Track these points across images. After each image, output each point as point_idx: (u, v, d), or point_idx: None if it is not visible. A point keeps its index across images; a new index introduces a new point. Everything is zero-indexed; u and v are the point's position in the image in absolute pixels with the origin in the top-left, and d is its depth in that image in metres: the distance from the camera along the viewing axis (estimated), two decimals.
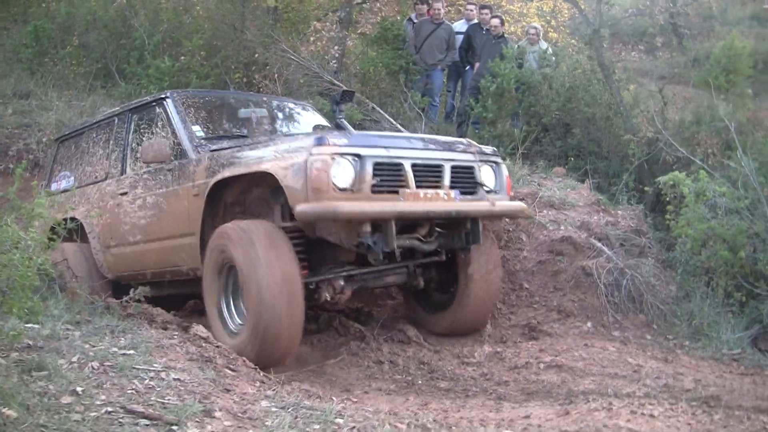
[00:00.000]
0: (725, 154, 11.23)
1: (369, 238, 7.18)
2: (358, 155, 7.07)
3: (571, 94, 12.67)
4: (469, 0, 15.75)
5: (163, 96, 9.20)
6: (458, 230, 8.03)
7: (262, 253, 7.03)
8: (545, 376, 7.25)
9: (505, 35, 14.34)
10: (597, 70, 12.77)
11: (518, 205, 8.43)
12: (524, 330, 8.74)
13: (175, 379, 5.65)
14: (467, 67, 14.83)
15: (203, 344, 6.95)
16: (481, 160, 8.11)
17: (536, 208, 9.98)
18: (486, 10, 14.87)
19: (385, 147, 7.37)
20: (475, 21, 14.98)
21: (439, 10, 14.54)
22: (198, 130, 8.73)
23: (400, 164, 7.33)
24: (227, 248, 7.35)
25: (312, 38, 15.43)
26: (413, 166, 7.40)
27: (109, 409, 4.90)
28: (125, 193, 9.25)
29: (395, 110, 14.06)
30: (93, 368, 5.63)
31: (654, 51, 20.90)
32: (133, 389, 5.32)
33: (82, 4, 18.53)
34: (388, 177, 7.26)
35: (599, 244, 9.44)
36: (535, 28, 14.83)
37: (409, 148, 7.57)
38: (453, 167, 7.75)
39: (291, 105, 10.58)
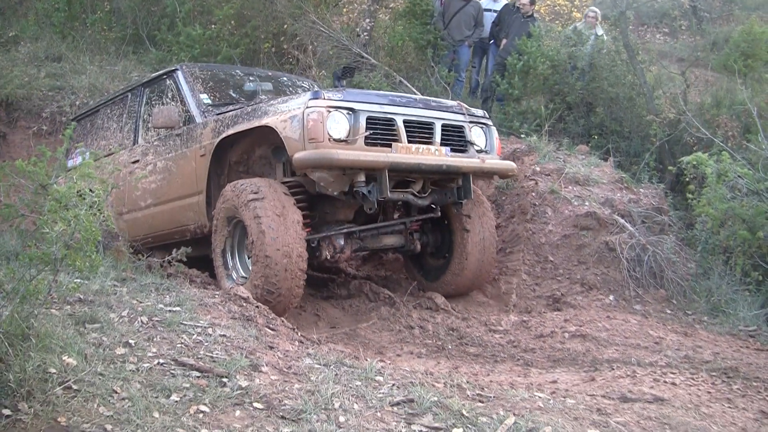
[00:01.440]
0: (745, 137, 11.41)
1: (364, 187, 7.62)
2: (351, 109, 7.56)
3: (595, 74, 12.86)
4: None
5: (174, 69, 9.70)
6: (450, 186, 8.41)
7: (269, 209, 7.49)
8: (570, 344, 7.49)
9: (534, 14, 14.44)
10: (621, 51, 12.92)
11: (507, 163, 8.85)
12: (548, 301, 8.99)
13: (221, 335, 5.90)
14: (491, 41, 14.93)
15: (244, 304, 7.15)
16: (471, 122, 8.57)
17: (562, 183, 10.19)
18: None
19: (379, 103, 7.81)
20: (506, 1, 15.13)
21: None
22: (205, 98, 9.24)
23: (393, 119, 7.79)
24: (236, 204, 7.79)
25: (345, 10, 15.50)
26: (405, 122, 7.85)
27: (161, 361, 5.17)
28: (137, 161, 9.75)
29: (422, 84, 14.17)
30: (142, 322, 5.88)
31: (675, 33, 20.99)
32: (182, 343, 5.58)
33: None
34: (381, 131, 7.72)
35: (622, 221, 9.66)
36: (594, 11, 14.84)
37: (401, 105, 7.99)
38: (444, 125, 8.20)
39: (296, 80, 11.01)
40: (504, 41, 14.10)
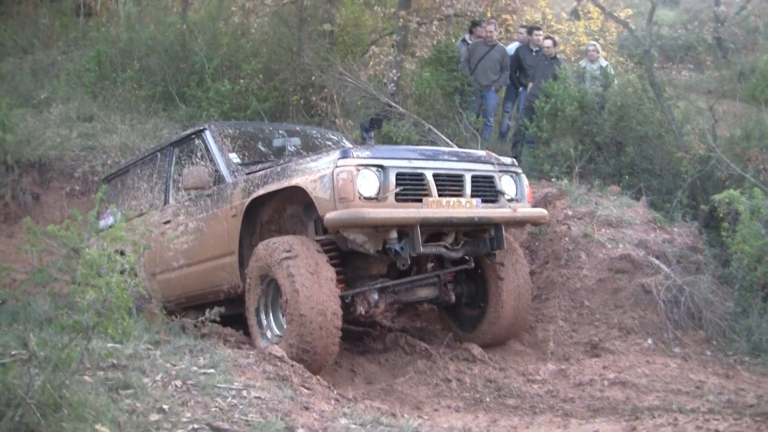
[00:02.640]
0: None
1: (396, 244, 7.65)
2: (381, 166, 7.57)
3: (623, 113, 12.81)
4: (521, 23, 15.91)
5: (202, 128, 9.76)
6: (482, 237, 8.41)
7: (302, 267, 7.48)
8: (610, 392, 7.39)
9: (557, 56, 14.47)
10: (648, 89, 12.88)
11: (539, 211, 8.92)
12: (586, 347, 8.88)
13: (255, 397, 5.87)
14: (520, 89, 14.99)
15: (278, 363, 7.11)
16: (501, 171, 8.55)
17: (595, 226, 10.12)
18: (539, 32, 15.05)
19: (408, 159, 7.82)
20: (519, 44, 15.21)
21: (492, 32, 14.69)
22: (234, 157, 9.27)
23: (422, 174, 7.79)
24: (268, 262, 7.77)
25: (371, 62, 15.60)
26: (435, 176, 7.86)
27: (196, 426, 5.13)
28: (168, 222, 9.76)
29: (451, 131, 14.18)
30: (176, 386, 5.85)
31: (701, 66, 20.94)
32: (216, 407, 5.55)
33: (142, 29, 18.95)
34: (411, 186, 7.73)
35: (657, 262, 9.57)
36: (594, 45, 14.95)
37: (430, 158, 8.00)
38: (473, 177, 8.21)
39: (324, 133, 11.04)
40: (530, 85, 14.14)
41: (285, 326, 7.78)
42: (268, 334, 8.15)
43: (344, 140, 10.92)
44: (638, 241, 9.93)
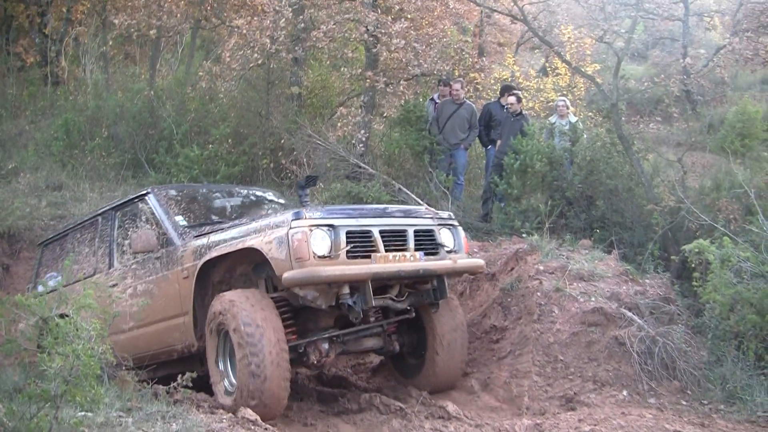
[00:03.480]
0: (746, 219, 11.36)
1: (349, 299, 8.07)
2: (331, 225, 8.01)
3: (592, 167, 12.88)
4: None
5: (145, 192, 10.07)
6: (425, 288, 8.94)
7: (250, 319, 7.85)
8: None
9: (523, 112, 14.55)
10: (617, 142, 12.97)
11: (476, 261, 9.54)
12: (561, 401, 8.81)
13: None
14: (488, 147, 15.05)
15: (252, 427, 7.07)
16: (439, 224, 9.12)
17: (567, 281, 10.10)
18: (507, 91, 15.14)
19: (355, 217, 8.31)
20: (493, 100, 15.31)
21: (458, 90, 14.80)
22: (180, 220, 9.60)
23: (370, 231, 8.30)
24: (223, 315, 8.11)
25: (339, 123, 15.67)
26: (381, 232, 8.37)
27: None
28: (115, 285, 9.83)
29: (421, 190, 14.23)
30: None
31: (670, 119, 21.12)
32: None
33: (110, 96, 18.97)
34: (360, 243, 8.20)
35: (630, 314, 9.53)
36: (564, 100, 15.03)
37: (376, 216, 8.53)
38: (416, 231, 8.74)
39: (259, 193, 11.46)
40: (499, 142, 14.22)
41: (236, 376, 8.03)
42: (226, 382, 8.35)
43: (280, 199, 11.44)
44: (611, 293, 9.90)
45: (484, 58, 19.24)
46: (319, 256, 7.83)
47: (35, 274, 11.86)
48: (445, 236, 9.10)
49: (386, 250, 8.30)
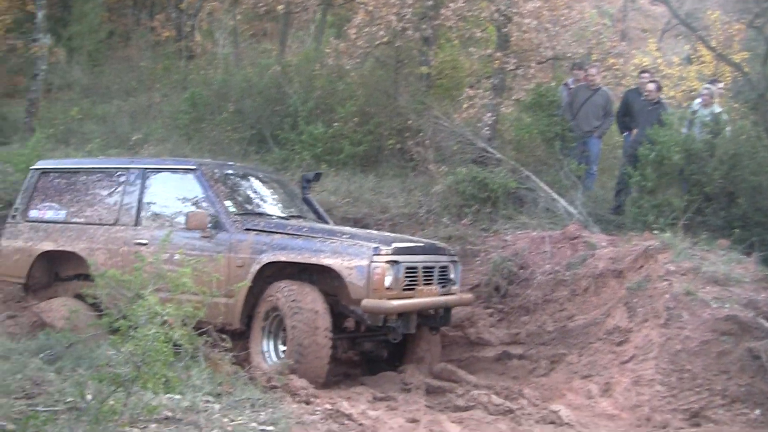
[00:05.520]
0: None
1: (395, 322, 9.37)
2: (396, 261, 9.19)
3: (735, 162, 12.05)
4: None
5: (193, 167, 10.46)
6: (433, 315, 10.24)
7: (312, 307, 9.03)
8: None
9: (662, 101, 13.76)
10: (763, 137, 12.15)
11: (470, 296, 11.02)
12: (686, 415, 8.13)
13: None
14: (625, 134, 14.34)
15: (345, 421, 6.86)
16: (450, 261, 10.47)
17: (698, 284, 9.40)
18: (645, 74, 14.42)
19: (411, 254, 9.56)
20: (633, 86, 14.55)
21: (594, 75, 14.15)
22: (230, 206, 10.17)
23: (417, 267, 9.59)
24: (281, 301, 9.15)
25: (465, 105, 15.16)
26: (423, 268, 9.72)
27: None
28: (144, 244, 10.20)
29: (551, 178, 13.74)
30: None
31: None
32: None
33: (238, 71, 18.88)
34: (410, 277, 9.47)
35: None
36: (709, 89, 14.07)
37: (421, 253, 9.84)
38: (440, 267, 10.15)
39: (277, 177, 12.49)
40: (635, 131, 13.48)
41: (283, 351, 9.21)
42: (267, 358, 9.34)
43: (286, 182, 12.46)
44: (747, 301, 9.14)
45: (623, 43, 18.43)
46: (386, 288, 9.03)
47: (27, 198, 11.54)
48: (452, 270, 10.43)
49: (423, 284, 9.67)
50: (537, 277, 11.34)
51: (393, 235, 10.77)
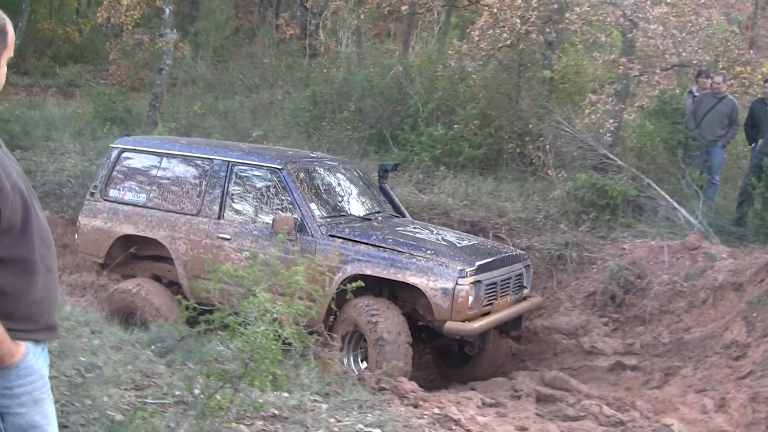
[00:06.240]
0: None
1: (472, 338, 9.73)
2: (479, 281, 9.28)
3: None
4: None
5: (279, 167, 10.26)
6: (506, 322, 10.19)
7: (393, 328, 9.13)
8: None
9: None
10: None
11: (539, 299, 11.24)
12: None
13: None
14: (752, 145, 14.04)
15: (453, 426, 6.82)
16: (525, 266, 10.54)
17: None
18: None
19: (490, 270, 9.59)
20: (760, 96, 14.25)
21: (720, 84, 13.88)
22: (315, 209, 10.13)
23: (496, 283, 9.69)
24: (359, 320, 9.31)
25: (587, 110, 15.02)
26: (501, 281, 9.81)
27: None
28: (227, 239, 10.26)
29: (672, 187, 13.52)
30: None
31: None
32: None
33: (359, 71, 19.04)
34: (489, 293, 9.57)
35: None
36: None
37: (500, 266, 9.88)
38: (515, 276, 10.22)
39: (357, 171, 12.03)
40: (761, 141, 13.19)
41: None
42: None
43: (367, 176, 12.12)
44: None
45: (752, 51, 18.04)
46: (469, 308, 9.15)
47: (107, 176, 11.30)
48: (526, 277, 10.52)
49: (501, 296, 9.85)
50: (654, 287, 11.17)
51: (473, 243, 10.54)
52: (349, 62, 20.45)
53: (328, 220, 10.07)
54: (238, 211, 10.43)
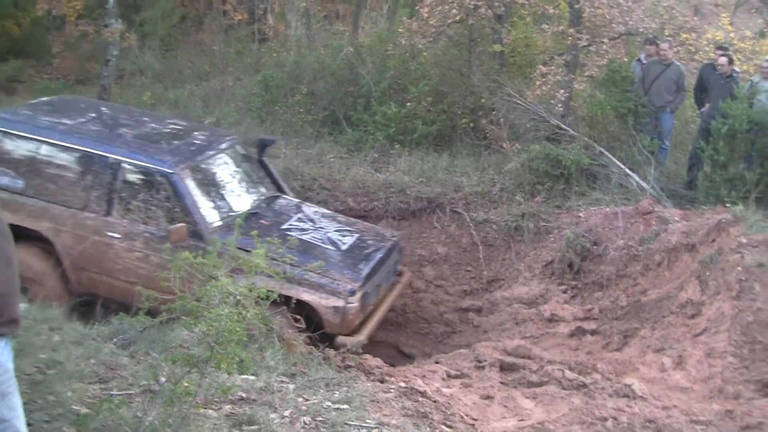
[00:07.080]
0: None
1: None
2: (366, 292, 9.80)
3: None
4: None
5: (169, 171, 9.91)
6: None
7: None
8: None
9: (735, 75, 13.64)
10: None
11: (408, 275, 11.95)
12: (758, 386, 8.15)
13: None
14: (702, 109, 14.26)
15: (420, 399, 6.88)
16: (398, 250, 11.26)
17: None
18: (720, 50, 14.32)
19: (373, 275, 10.07)
20: (707, 61, 14.49)
21: (666, 50, 14.09)
22: (207, 215, 10.00)
23: (379, 285, 10.23)
24: None
25: (538, 82, 15.12)
26: (381, 278, 10.38)
27: None
28: (117, 237, 9.96)
29: (624, 154, 13.71)
30: (305, 423, 5.66)
31: None
32: None
33: (310, 53, 19.05)
34: (373, 295, 10.11)
35: None
36: None
37: (381, 266, 10.34)
38: (393, 264, 10.85)
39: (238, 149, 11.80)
40: (707, 105, 13.43)
41: None
42: None
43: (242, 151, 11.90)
44: None
45: (696, 18, 18.26)
46: (357, 318, 9.67)
47: None
48: (399, 259, 11.27)
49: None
50: (610, 252, 11.37)
51: (355, 242, 10.64)
52: (299, 45, 20.34)
53: (220, 223, 9.97)
54: (128, 210, 10.01)
